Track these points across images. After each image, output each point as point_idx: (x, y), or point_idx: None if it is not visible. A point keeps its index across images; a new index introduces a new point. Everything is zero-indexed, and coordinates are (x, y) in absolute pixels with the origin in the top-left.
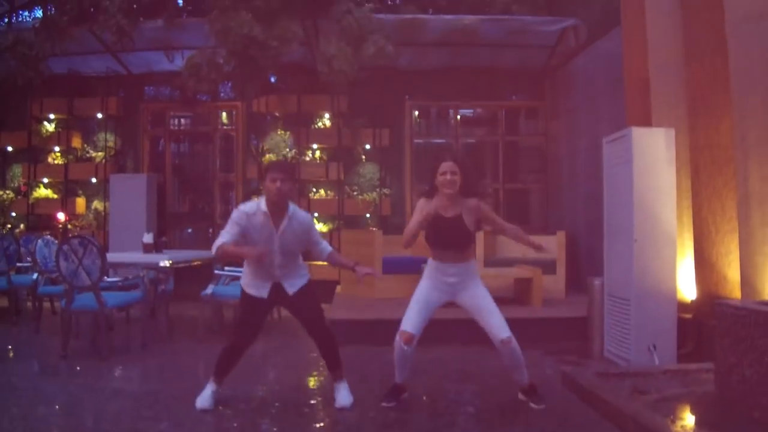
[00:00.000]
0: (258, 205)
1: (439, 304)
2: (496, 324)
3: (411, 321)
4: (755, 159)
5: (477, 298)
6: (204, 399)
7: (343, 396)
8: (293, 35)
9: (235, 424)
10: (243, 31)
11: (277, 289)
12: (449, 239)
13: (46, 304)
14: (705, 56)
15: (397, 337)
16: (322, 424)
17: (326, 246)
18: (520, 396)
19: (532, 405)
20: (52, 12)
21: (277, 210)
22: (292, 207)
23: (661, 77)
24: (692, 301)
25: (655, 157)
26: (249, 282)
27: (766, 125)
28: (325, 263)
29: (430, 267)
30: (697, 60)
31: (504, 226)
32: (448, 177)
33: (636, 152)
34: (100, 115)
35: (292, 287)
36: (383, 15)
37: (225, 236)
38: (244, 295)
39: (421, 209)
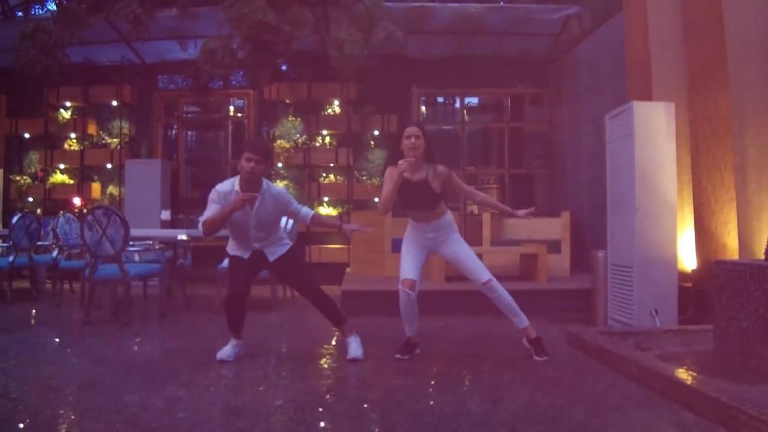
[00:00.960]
0: (232, 183)
1: (427, 253)
2: (477, 270)
3: (408, 269)
4: (752, 128)
5: (456, 249)
6: (224, 351)
7: (355, 348)
8: (305, 20)
9: (254, 374)
10: (257, 16)
11: (258, 255)
12: (416, 201)
13: (65, 287)
14: (703, 33)
15: (400, 287)
16: (336, 373)
17: (307, 211)
18: (525, 343)
19: (536, 357)
20: (67, 2)
21: (249, 188)
22: (266, 183)
23: (661, 57)
24: (693, 271)
25: (655, 130)
26: (232, 247)
27: (762, 96)
28: (331, 247)
29: (410, 226)
30: (695, 37)
31: (474, 193)
32: (413, 141)
33: (637, 125)
34: (115, 103)
35: (272, 255)
36: (392, 3)
37: (207, 214)
38: (230, 256)
39: (390, 177)
